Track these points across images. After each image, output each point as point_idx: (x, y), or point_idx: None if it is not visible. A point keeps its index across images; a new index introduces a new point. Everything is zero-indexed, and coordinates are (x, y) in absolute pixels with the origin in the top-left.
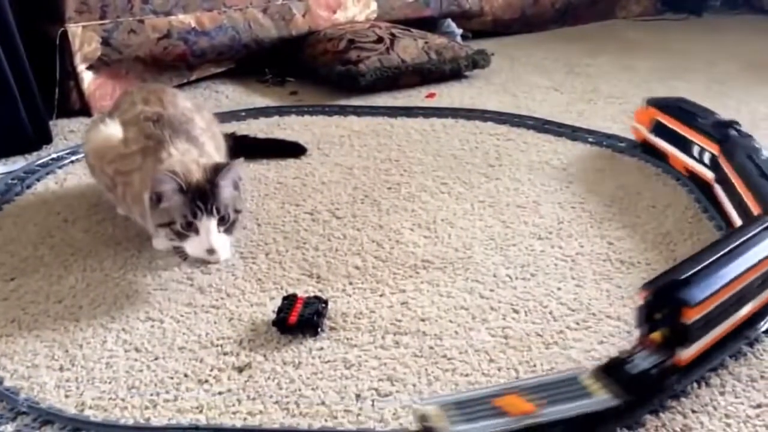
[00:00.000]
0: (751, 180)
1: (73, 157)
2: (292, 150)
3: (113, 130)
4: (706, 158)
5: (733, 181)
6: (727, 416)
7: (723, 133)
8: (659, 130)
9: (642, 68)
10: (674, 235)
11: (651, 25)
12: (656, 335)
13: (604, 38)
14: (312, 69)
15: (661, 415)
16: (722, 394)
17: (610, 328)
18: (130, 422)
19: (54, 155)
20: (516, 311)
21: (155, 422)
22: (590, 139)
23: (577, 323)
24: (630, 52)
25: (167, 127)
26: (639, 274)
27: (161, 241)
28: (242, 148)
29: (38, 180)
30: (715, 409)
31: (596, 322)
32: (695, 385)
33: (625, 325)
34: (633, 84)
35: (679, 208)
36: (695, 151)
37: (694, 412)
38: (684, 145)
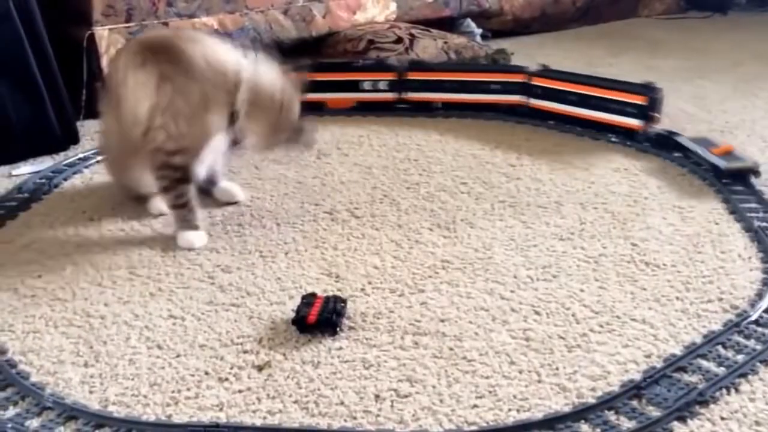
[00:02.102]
0: None
1: (100, 157)
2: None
3: None
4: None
5: None
6: (757, 423)
7: None
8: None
9: (666, 68)
10: (701, 236)
11: (674, 24)
12: None
13: (627, 37)
14: None
15: (689, 422)
16: (752, 400)
17: (635, 332)
18: (152, 419)
19: (81, 155)
20: (537, 313)
21: (177, 419)
22: (613, 139)
23: (601, 326)
24: (653, 51)
25: None
26: (664, 276)
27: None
28: None
29: (65, 179)
30: (744, 416)
31: (620, 325)
32: (724, 391)
33: (650, 328)
34: (657, 84)
35: (705, 209)
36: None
37: (723, 419)
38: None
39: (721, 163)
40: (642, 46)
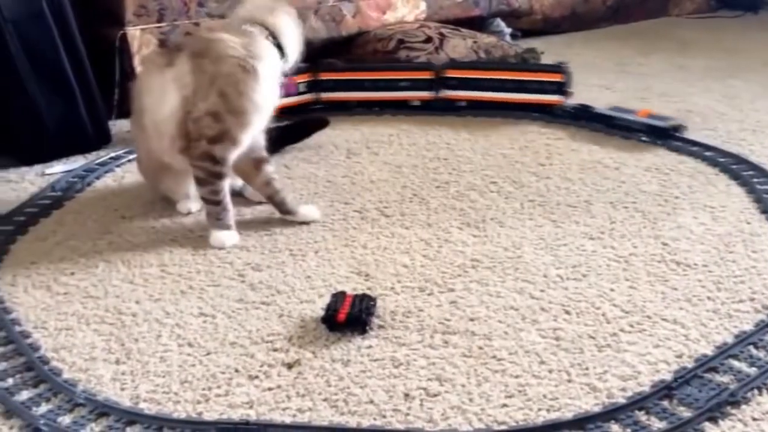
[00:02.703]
0: None
1: (131, 156)
2: (318, 125)
3: None
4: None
5: None
6: None
7: None
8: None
9: (696, 67)
10: (732, 235)
11: (705, 23)
12: None
13: (657, 36)
14: None
15: (720, 422)
16: None
17: (666, 332)
18: (183, 416)
19: (113, 154)
20: (567, 312)
21: (207, 417)
22: (643, 138)
23: (632, 326)
24: (683, 50)
25: None
26: (695, 276)
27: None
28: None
29: (97, 178)
30: None
31: (651, 325)
32: (756, 392)
33: (681, 328)
34: (687, 83)
35: (737, 209)
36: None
37: (754, 419)
38: None
39: (660, 123)
40: (672, 45)
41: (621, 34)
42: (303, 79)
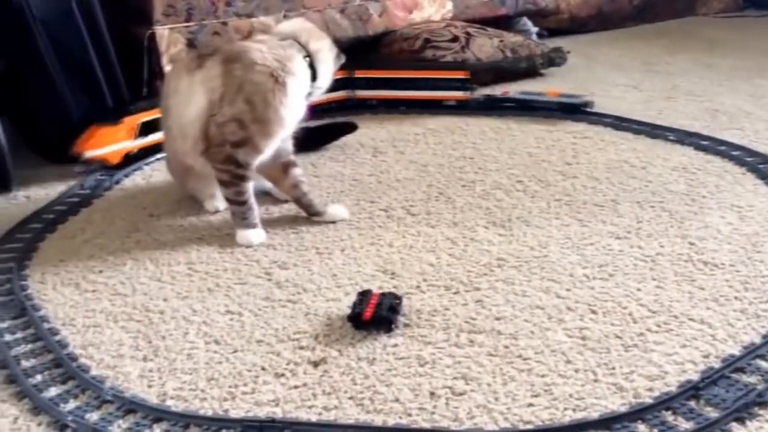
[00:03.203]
0: None
1: (159, 155)
2: (346, 129)
3: None
4: None
5: None
6: None
7: None
8: None
9: (723, 66)
10: (760, 235)
11: (732, 22)
12: None
13: (684, 36)
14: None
15: (748, 423)
16: None
17: (693, 332)
18: (209, 413)
19: None
20: (594, 312)
21: (233, 414)
22: (671, 137)
23: (658, 325)
24: (711, 49)
25: None
26: (722, 276)
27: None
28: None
29: (126, 176)
30: None
31: (678, 325)
32: None
33: (709, 328)
34: (715, 82)
35: (765, 208)
36: None
37: None
38: None
39: (571, 100)
40: (699, 44)
41: (648, 34)
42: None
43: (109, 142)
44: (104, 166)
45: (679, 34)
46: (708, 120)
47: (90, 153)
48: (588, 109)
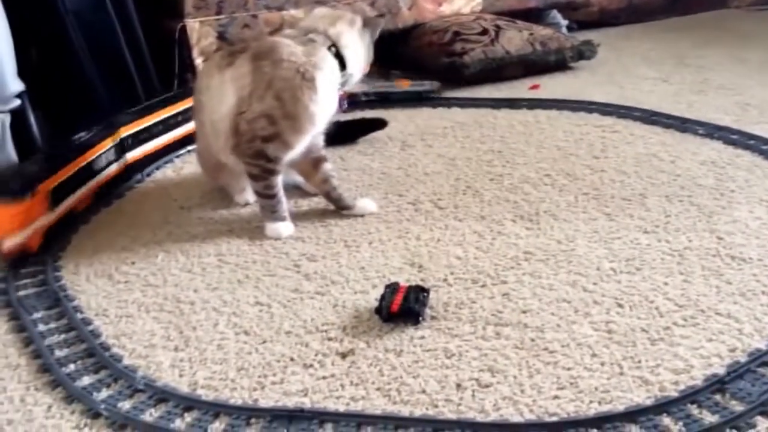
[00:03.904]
0: None
1: (190, 147)
2: (376, 125)
3: None
4: None
5: None
6: None
7: None
8: None
9: (755, 60)
10: None
11: (765, 15)
12: None
13: (715, 29)
14: (417, 61)
15: None
16: None
17: (720, 326)
18: (239, 403)
19: None
20: (620, 305)
21: (263, 404)
22: (700, 131)
23: (685, 320)
24: (743, 43)
25: None
26: (750, 271)
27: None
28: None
29: (157, 169)
30: None
31: (705, 319)
32: None
33: (735, 322)
34: (746, 76)
35: None
36: None
37: None
38: None
39: (417, 88)
40: (731, 37)
41: (679, 26)
42: None
43: (23, 223)
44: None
45: (711, 27)
46: (738, 114)
47: (7, 242)
48: (434, 96)
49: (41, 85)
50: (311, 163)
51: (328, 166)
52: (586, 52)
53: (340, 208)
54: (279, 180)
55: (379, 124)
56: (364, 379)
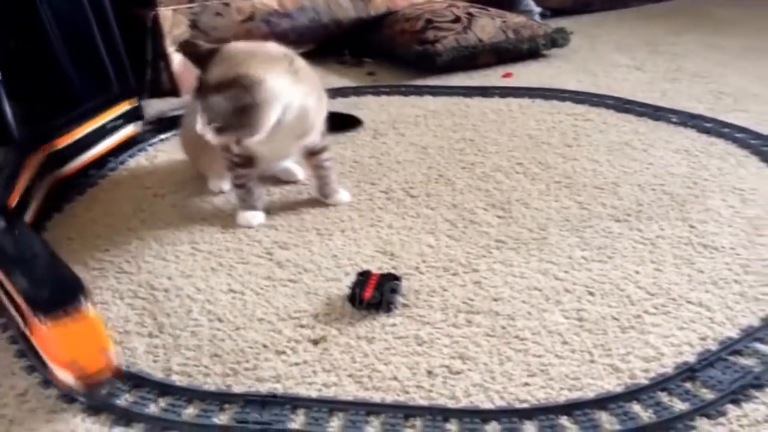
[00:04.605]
0: None
1: (163, 135)
2: (351, 123)
3: None
4: None
5: None
6: None
7: None
8: None
9: (731, 47)
10: (761, 219)
11: (741, 2)
12: None
13: (691, 15)
14: (389, 49)
15: (744, 405)
16: None
17: (691, 314)
18: (213, 388)
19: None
20: (591, 293)
21: (236, 389)
22: (674, 119)
23: (656, 308)
24: (718, 30)
25: None
26: (722, 259)
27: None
28: None
29: (131, 156)
30: None
31: (676, 308)
32: None
33: (707, 311)
34: (722, 64)
35: (767, 192)
36: None
37: None
38: None
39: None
40: (707, 24)
41: (654, 13)
42: None
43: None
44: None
45: (686, 13)
46: (712, 102)
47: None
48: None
49: (15, 76)
50: (309, 151)
51: (324, 156)
52: (559, 39)
53: (319, 193)
54: (248, 172)
55: (356, 122)
56: (336, 366)
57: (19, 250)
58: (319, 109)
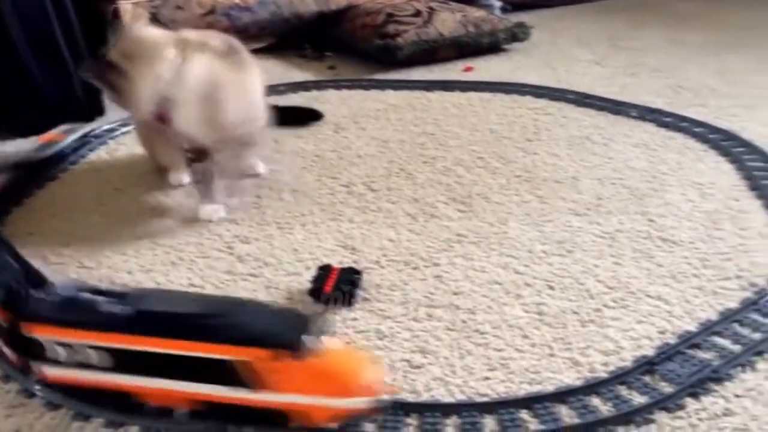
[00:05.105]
0: None
1: (124, 129)
2: (311, 116)
3: None
4: None
5: None
6: None
7: None
8: None
9: (692, 42)
10: (720, 212)
11: None
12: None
13: (652, 10)
14: (350, 43)
15: (702, 398)
16: None
17: (650, 308)
18: None
19: (106, 127)
20: (551, 288)
21: None
22: (633, 114)
23: (615, 301)
24: (679, 24)
25: None
26: (681, 253)
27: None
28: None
29: (91, 150)
30: (760, 394)
31: (635, 301)
32: (740, 369)
33: (665, 304)
34: (682, 58)
35: (726, 186)
36: None
37: (737, 396)
38: None
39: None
40: (667, 19)
41: (614, 8)
42: None
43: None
44: None
45: (648, 8)
46: (671, 96)
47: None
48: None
49: None
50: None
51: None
52: (520, 34)
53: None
54: (209, 165)
55: (315, 116)
56: None
57: None
58: (239, 100)
